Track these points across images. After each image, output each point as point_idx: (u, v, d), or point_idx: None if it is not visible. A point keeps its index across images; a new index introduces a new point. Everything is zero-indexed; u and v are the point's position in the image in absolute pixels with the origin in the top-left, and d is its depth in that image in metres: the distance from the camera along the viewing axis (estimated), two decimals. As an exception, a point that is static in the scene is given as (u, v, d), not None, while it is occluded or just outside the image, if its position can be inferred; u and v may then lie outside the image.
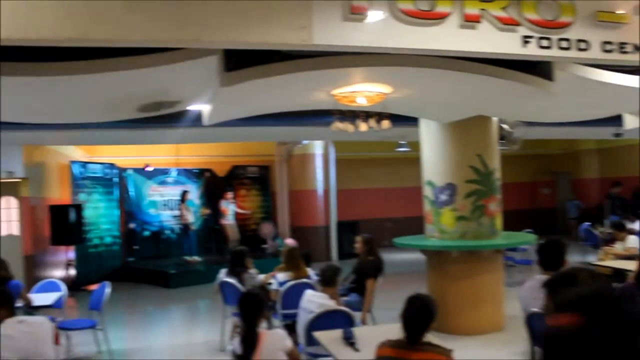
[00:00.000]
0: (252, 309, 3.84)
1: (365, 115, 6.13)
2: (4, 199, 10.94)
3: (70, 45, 3.74)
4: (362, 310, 6.63)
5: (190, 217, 13.55)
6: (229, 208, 14.31)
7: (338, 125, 6.06)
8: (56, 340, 4.47)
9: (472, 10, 3.92)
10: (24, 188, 10.46)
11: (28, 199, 10.57)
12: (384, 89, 5.37)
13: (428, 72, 4.78)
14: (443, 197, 7.44)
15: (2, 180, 10.35)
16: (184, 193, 13.74)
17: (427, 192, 7.66)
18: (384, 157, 16.77)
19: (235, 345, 3.89)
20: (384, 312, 7.15)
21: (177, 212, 14.15)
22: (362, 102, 5.45)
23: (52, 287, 7.45)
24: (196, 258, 13.40)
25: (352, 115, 6.12)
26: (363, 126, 6.07)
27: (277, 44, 3.71)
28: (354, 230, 14.42)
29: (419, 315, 3.35)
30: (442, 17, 3.87)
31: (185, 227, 13.54)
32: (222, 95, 5.24)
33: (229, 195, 14.46)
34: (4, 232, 10.86)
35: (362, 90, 5.32)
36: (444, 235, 7.46)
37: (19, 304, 5.78)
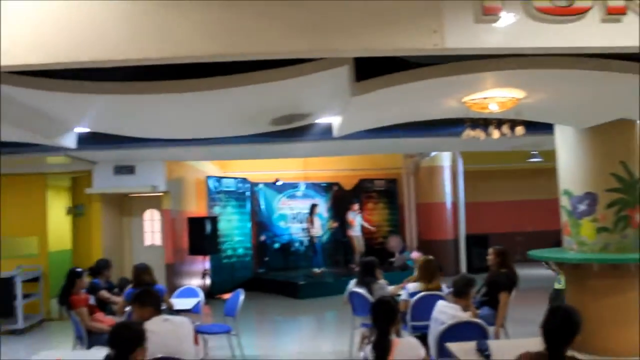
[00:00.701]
0: (385, 315, 3.81)
1: (498, 122, 5.93)
2: (149, 212, 11.77)
3: (209, 60, 3.89)
4: (494, 324, 6.39)
5: (319, 230, 13.82)
6: (356, 219, 14.44)
7: (469, 132, 5.91)
8: (195, 341, 4.73)
9: (616, 1, 3.66)
10: (165, 201, 11.17)
11: (169, 211, 11.26)
12: (517, 93, 5.16)
13: (564, 73, 4.54)
14: (582, 207, 7.00)
15: (147, 194, 11.14)
16: (313, 206, 14.03)
17: (564, 202, 7.25)
18: (514, 168, 16.18)
19: (366, 352, 3.88)
20: (516, 328, 6.85)
21: (305, 225, 14.47)
22: (494, 108, 5.27)
23: (190, 293, 7.91)
24: (324, 270, 13.60)
25: (483, 122, 5.95)
26: (495, 133, 5.87)
27: (410, 49, 3.67)
28: (483, 243, 14.03)
29: (563, 326, 3.16)
30: (582, 12, 3.65)
31: (314, 240, 13.82)
32: (352, 105, 5.29)
33: (356, 206, 14.60)
34: (147, 242, 11.68)
35: (494, 96, 5.15)
36: (583, 248, 7.00)
37: (163, 306, 6.15)
